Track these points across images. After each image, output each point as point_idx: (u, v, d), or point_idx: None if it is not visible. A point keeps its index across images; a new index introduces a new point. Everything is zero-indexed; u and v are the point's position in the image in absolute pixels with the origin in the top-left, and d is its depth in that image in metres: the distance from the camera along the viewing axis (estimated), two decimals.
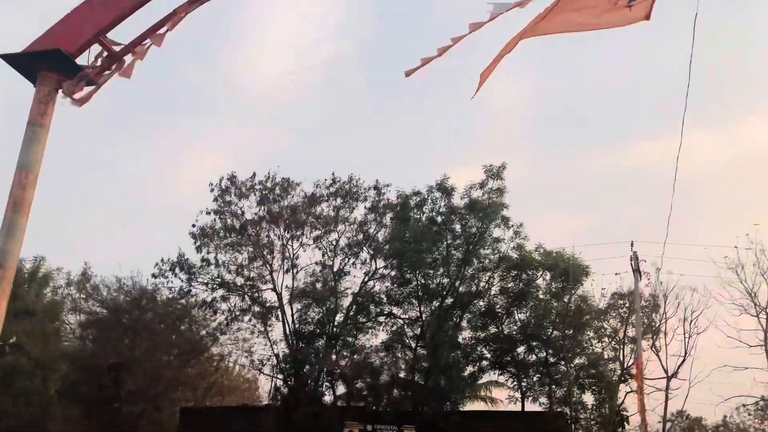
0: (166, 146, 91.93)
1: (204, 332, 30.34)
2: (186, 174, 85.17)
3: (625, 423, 27.40)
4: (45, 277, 33.48)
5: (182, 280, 29.66)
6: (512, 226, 27.70)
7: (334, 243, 29.84)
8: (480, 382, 29.87)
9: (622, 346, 29.85)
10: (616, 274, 28.59)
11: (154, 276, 29.59)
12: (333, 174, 30.07)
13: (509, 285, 28.38)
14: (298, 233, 29.82)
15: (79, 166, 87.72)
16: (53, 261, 35.53)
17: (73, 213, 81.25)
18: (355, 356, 28.24)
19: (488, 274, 28.33)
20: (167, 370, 28.56)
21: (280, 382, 29.05)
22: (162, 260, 29.65)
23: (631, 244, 26.20)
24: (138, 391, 27.70)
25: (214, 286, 29.72)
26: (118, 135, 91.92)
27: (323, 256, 29.80)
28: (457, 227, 28.12)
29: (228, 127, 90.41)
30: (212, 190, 30.05)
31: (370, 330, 29.17)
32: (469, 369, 28.64)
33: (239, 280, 29.70)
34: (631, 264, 26.00)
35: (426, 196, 28.32)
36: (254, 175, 30.18)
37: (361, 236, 29.81)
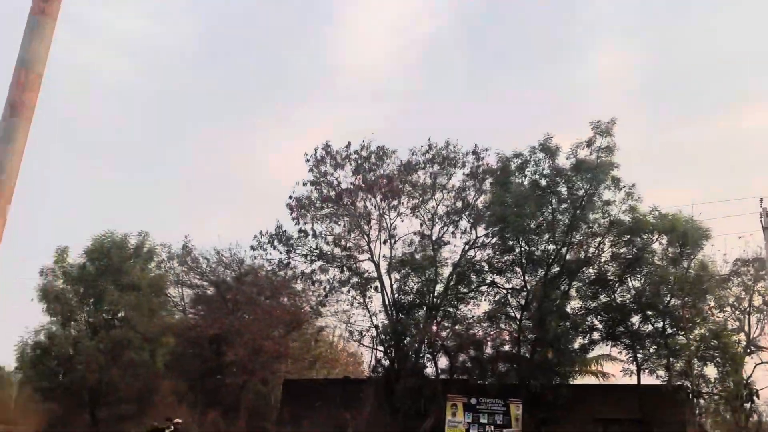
0: (267, 127, 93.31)
1: (304, 304, 30.05)
2: (286, 153, 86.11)
3: (754, 397, 25.20)
4: (149, 252, 34.06)
5: (281, 252, 29.55)
6: (623, 187, 25.60)
7: (431, 211, 28.87)
8: (590, 355, 28.22)
9: (747, 316, 27.56)
10: (740, 237, 26.34)
11: (252, 248, 29.55)
12: (429, 140, 29.06)
13: (621, 250, 26.32)
14: (394, 202, 29.02)
15: (184, 147, 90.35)
16: (157, 237, 36.14)
17: (177, 190, 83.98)
18: (456, 327, 27.19)
19: (598, 239, 26.43)
20: (268, 342, 28.37)
21: (380, 354, 28.45)
22: (260, 233, 29.59)
23: (760, 201, 23.62)
24: (240, 363, 27.67)
25: (313, 257, 29.37)
26: (223, 116, 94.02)
27: (421, 225, 28.92)
28: (563, 190, 26.33)
29: (328, 106, 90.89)
30: (307, 160, 29.65)
31: (471, 300, 28.00)
32: (579, 341, 26.92)
33: (337, 251, 29.24)
34: (761, 221, 23.45)
35: (528, 158, 26.62)
36: (349, 144, 29.59)
37: (459, 203, 28.71)
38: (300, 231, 29.19)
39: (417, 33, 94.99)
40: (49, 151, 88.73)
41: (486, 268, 27.63)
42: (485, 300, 27.74)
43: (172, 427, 19.44)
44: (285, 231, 29.49)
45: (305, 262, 29.45)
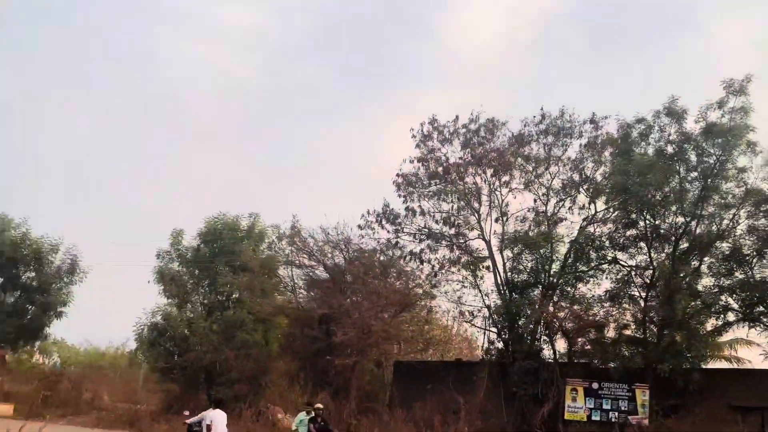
0: (380, 113, 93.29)
1: (413, 284, 29.20)
2: (399, 138, 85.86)
3: None
4: (260, 234, 34.16)
5: (389, 232, 28.89)
6: (760, 152, 23.08)
7: (546, 185, 27.27)
8: (722, 339, 25.88)
9: None
10: None
11: (360, 227, 29.07)
12: (542, 109, 27.44)
13: (759, 222, 23.67)
14: (505, 177, 27.65)
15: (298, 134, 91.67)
16: (267, 218, 36.26)
17: (288, 173, 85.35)
18: (575, 307, 25.52)
19: (732, 210, 23.96)
20: (378, 323, 27.75)
21: (493, 336, 27.27)
22: (368, 212, 29.03)
23: None
24: (349, 344, 27.19)
25: (421, 236, 28.51)
26: (336, 103, 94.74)
27: (535, 201, 27.43)
28: (692, 157, 24.07)
29: (442, 90, 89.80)
30: (413, 136, 28.74)
31: (591, 279, 26.19)
32: (711, 322, 24.62)
33: (446, 230, 28.22)
34: None
35: (652, 123, 24.56)
36: (457, 118, 28.48)
37: (576, 176, 26.94)
38: (407, 209, 28.40)
39: (530, 13, 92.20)
40: (173, 142, 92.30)
41: (607, 244, 25.80)
42: (606, 278, 25.94)
43: (313, 413, 18.75)
44: (392, 209, 28.81)
45: (413, 241, 28.72)
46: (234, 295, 33.29)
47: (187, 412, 20.04)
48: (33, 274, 37.94)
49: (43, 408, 33.44)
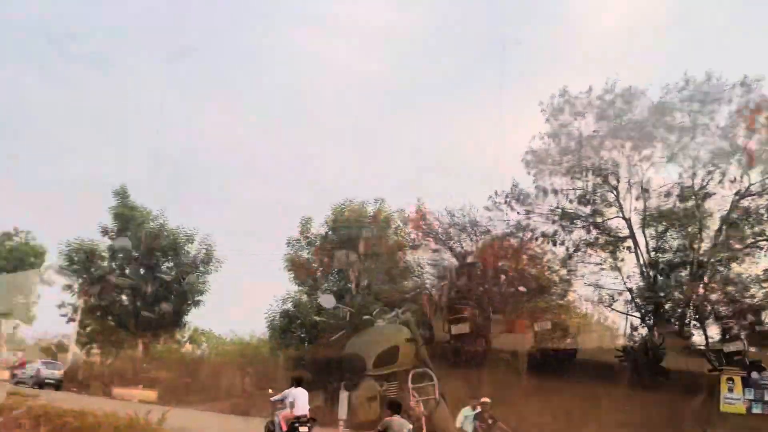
0: (511, 94, 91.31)
1: (547, 268, 27.68)
2: (530, 122, 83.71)
3: None
4: (386, 219, 33.71)
5: (518, 213, 27.55)
6: None
7: (692, 157, 24.95)
8: None
9: None
10: None
11: (487, 209, 27.91)
12: (685, 74, 25.10)
13: None
14: (646, 150, 25.57)
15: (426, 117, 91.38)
16: (392, 204, 35.66)
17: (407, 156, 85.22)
18: (729, 289, 23.23)
19: None
20: (509, 308, 26.49)
21: (636, 321, 25.34)
22: (495, 192, 27.79)
23: None
24: (478, 330, 26.11)
25: (554, 217, 26.94)
26: (465, 92, 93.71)
27: (680, 175, 25.18)
28: None
29: (571, 74, 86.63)
30: (543, 110, 27.13)
31: (746, 257, 23.81)
32: None
33: (581, 209, 26.50)
34: None
35: None
36: (590, 89, 26.62)
37: (727, 146, 24.46)
38: (537, 188, 26.96)
39: None
40: (301, 136, 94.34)
41: (764, 218, 23.32)
42: (765, 256, 23.61)
43: (479, 408, 17.01)
44: (521, 189, 27.45)
45: (545, 222, 27.22)
46: (364, 283, 32.99)
47: (271, 390, 20.06)
48: (170, 264, 39.38)
49: (184, 394, 34.55)
